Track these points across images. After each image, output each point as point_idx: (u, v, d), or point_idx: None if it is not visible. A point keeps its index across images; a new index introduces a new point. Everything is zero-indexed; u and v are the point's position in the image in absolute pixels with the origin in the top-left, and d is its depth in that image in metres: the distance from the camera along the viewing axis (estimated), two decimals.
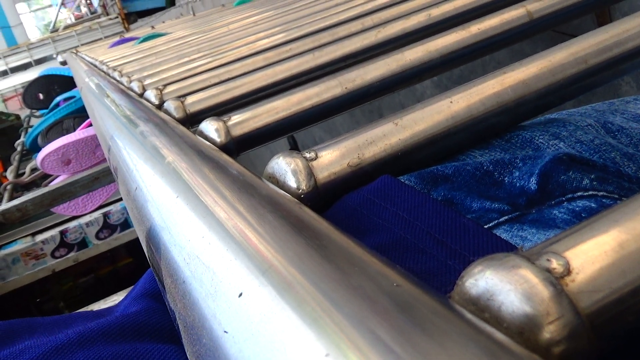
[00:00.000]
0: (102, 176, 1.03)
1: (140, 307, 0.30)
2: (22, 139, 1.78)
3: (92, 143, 1.11)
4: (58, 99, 1.55)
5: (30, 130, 1.51)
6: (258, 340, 0.13)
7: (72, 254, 3.37)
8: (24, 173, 1.40)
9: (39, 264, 3.30)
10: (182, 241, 0.20)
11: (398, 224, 0.23)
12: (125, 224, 3.40)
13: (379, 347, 0.11)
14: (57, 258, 3.34)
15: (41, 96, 1.86)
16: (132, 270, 3.57)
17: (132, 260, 3.62)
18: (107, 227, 3.41)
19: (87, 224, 3.37)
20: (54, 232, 3.34)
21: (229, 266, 0.17)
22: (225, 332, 0.15)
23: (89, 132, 1.12)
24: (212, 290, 0.16)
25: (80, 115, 1.35)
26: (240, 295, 0.15)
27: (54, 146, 1.11)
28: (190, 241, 0.20)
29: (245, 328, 0.14)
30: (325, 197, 0.27)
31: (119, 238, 3.43)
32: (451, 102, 0.30)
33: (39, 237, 3.33)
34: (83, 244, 3.40)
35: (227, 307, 0.15)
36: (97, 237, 3.41)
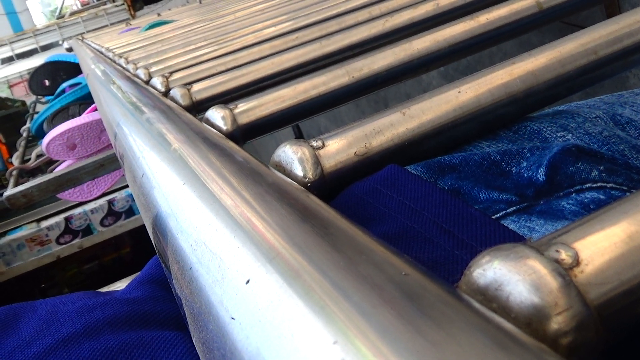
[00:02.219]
0: (107, 163, 1.03)
1: (146, 294, 0.30)
2: (27, 125, 1.78)
3: (98, 127, 1.11)
4: (64, 85, 1.55)
5: (36, 116, 1.51)
6: (265, 327, 0.13)
7: (76, 241, 3.39)
8: (29, 159, 1.41)
9: (44, 250, 3.32)
10: (189, 228, 0.20)
11: (404, 213, 0.23)
12: (130, 211, 3.42)
13: (387, 335, 0.11)
14: (61, 244, 3.35)
15: (47, 82, 1.86)
16: (137, 258, 3.58)
17: (134, 247, 3.63)
18: (112, 214, 3.42)
19: (92, 211, 3.38)
20: (59, 218, 3.35)
21: (236, 253, 0.17)
22: (232, 318, 0.15)
23: (94, 116, 1.12)
24: (219, 277, 0.16)
25: (86, 101, 1.35)
26: (248, 282, 0.15)
27: (59, 130, 1.11)
28: (197, 228, 0.20)
29: (252, 315, 0.14)
30: (331, 185, 0.27)
31: (124, 225, 3.44)
32: (459, 92, 0.30)
33: (44, 223, 3.34)
34: (88, 230, 3.41)
35: (234, 294, 0.15)
36: (102, 224, 3.42)
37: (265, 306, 0.14)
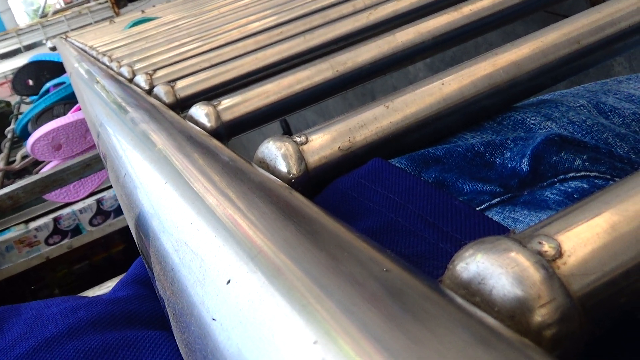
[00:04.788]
0: (93, 163, 1.03)
1: (131, 293, 0.29)
2: (12, 126, 1.77)
3: (83, 127, 1.10)
4: (48, 85, 1.54)
5: (20, 117, 1.49)
6: (246, 327, 0.13)
7: (66, 241, 3.36)
8: (14, 160, 1.39)
9: (33, 251, 3.29)
10: (171, 228, 0.20)
11: (389, 206, 0.22)
12: (119, 210, 3.39)
13: (368, 333, 0.11)
14: (51, 245, 3.32)
15: (31, 82, 1.84)
16: (127, 257, 3.56)
17: (126, 246, 3.61)
18: (101, 213, 3.40)
19: (80, 211, 3.35)
20: (47, 219, 3.32)
21: (218, 252, 0.16)
22: (213, 319, 0.14)
23: (79, 115, 1.11)
24: (201, 277, 0.16)
25: (70, 101, 1.34)
26: (229, 282, 0.15)
27: (44, 130, 1.10)
28: (178, 228, 0.19)
29: (234, 315, 0.14)
30: (316, 181, 0.27)
31: (113, 224, 3.41)
32: (442, 84, 0.30)
33: (33, 225, 3.31)
34: (77, 230, 3.38)
35: (216, 294, 0.15)
36: (91, 223, 3.39)
37: (246, 306, 0.14)
